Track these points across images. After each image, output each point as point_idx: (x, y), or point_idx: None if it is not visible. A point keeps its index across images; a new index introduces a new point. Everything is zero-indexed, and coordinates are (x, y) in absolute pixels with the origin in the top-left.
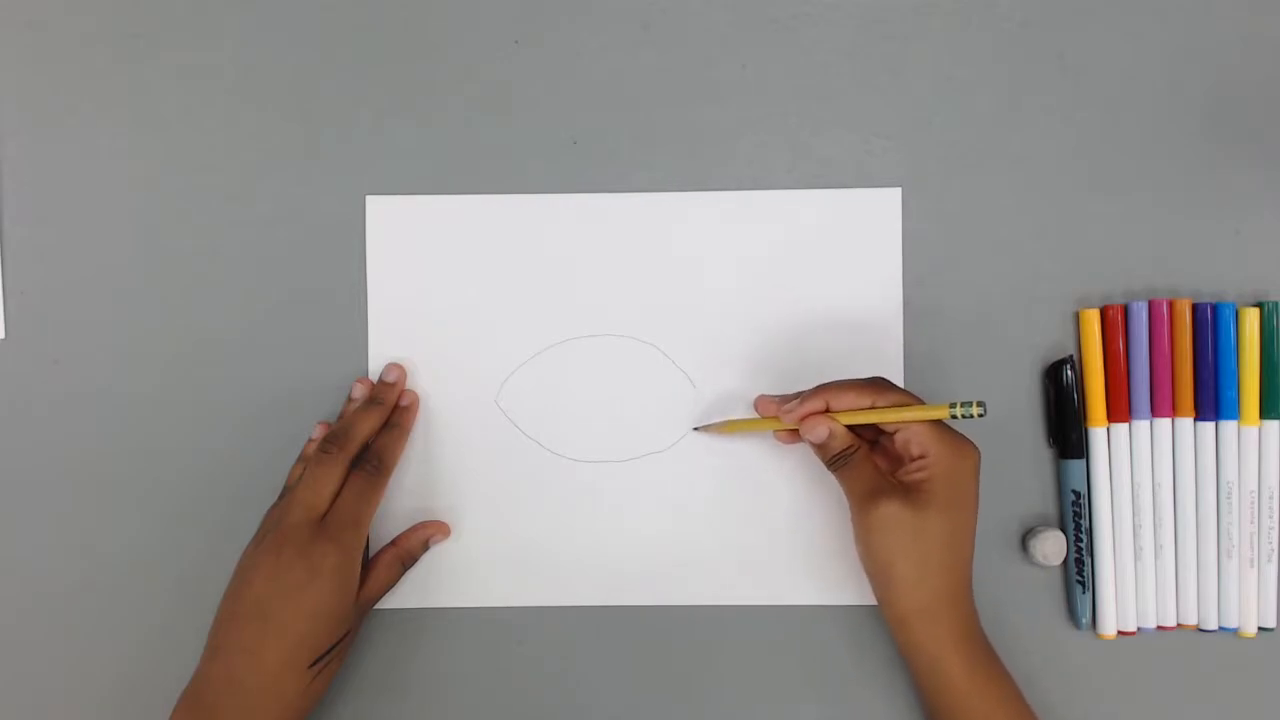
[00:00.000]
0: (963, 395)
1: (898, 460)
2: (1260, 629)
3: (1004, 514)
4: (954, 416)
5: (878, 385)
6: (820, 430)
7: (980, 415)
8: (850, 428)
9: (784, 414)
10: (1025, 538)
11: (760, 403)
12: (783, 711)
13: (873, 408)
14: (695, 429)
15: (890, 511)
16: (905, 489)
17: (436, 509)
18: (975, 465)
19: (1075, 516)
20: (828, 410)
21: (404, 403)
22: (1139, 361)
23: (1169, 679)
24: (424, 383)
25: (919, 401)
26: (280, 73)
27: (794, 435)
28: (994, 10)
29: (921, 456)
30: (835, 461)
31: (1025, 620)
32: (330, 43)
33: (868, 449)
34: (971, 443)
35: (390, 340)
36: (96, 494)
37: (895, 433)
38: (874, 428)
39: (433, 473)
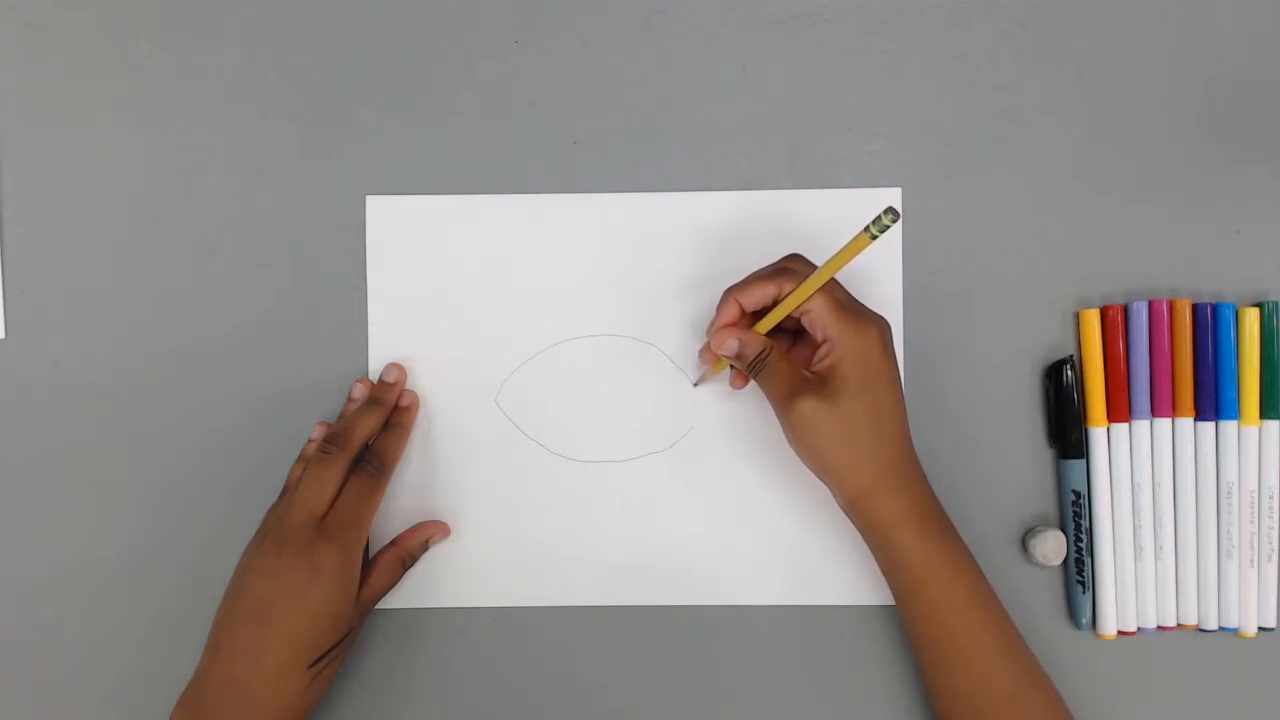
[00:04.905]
0: (962, 395)
1: (816, 348)
2: (1260, 629)
3: (1004, 514)
4: (874, 237)
5: (783, 271)
6: (729, 345)
7: (893, 221)
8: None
9: (709, 336)
10: (1025, 538)
11: (702, 352)
12: (785, 712)
13: (778, 298)
14: (695, 384)
15: (807, 407)
16: (820, 380)
17: (436, 509)
18: (881, 338)
19: (1075, 516)
20: (743, 312)
21: (404, 403)
22: (1139, 361)
23: (1169, 679)
24: (424, 383)
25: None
26: (280, 73)
27: (743, 378)
28: (994, 10)
29: (825, 341)
30: (754, 369)
31: (1025, 620)
32: (330, 43)
33: (782, 349)
34: (874, 317)
35: (390, 340)
36: (96, 493)
37: (803, 316)
38: (797, 319)
39: (433, 473)
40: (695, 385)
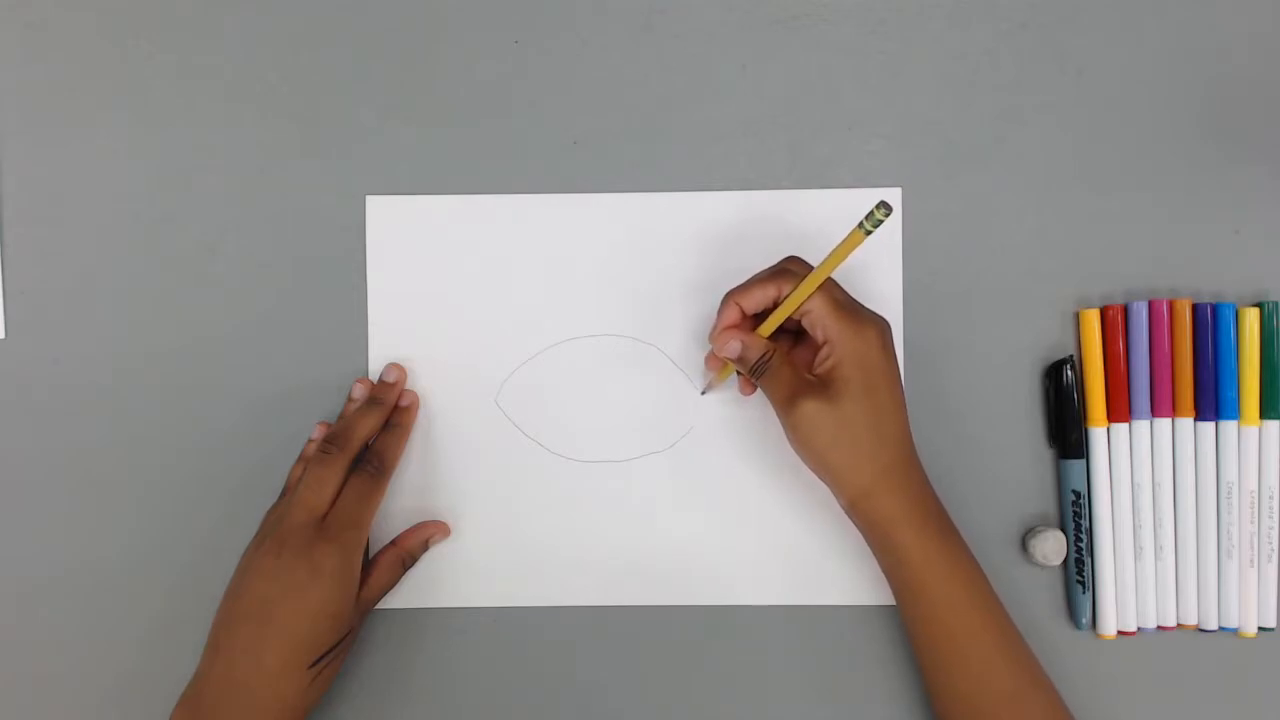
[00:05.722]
0: (962, 395)
1: (817, 349)
2: (1260, 629)
3: (1004, 514)
4: (868, 232)
5: (782, 274)
6: (732, 346)
7: (886, 215)
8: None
9: (711, 340)
10: (1025, 538)
11: (708, 358)
12: (785, 712)
13: (778, 300)
14: (702, 393)
15: (809, 409)
16: (821, 382)
17: (436, 509)
18: (881, 338)
19: (1075, 516)
20: (744, 316)
21: (404, 403)
22: (1139, 361)
23: (1169, 679)
24: (424, 383)
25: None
26: (280, 73)
27: (751, 384)
28: (994, 10)
29: (826, 343)
30: (756, 371)
31: (1025, 620)
32: (330, 43)
33: (785, 351)
34: (874, 317)
35: (390, 340)
36: (96, 493)
37: (803, 318)
38: (799, 320)
39: (433, 473)
40: (703, 394)
